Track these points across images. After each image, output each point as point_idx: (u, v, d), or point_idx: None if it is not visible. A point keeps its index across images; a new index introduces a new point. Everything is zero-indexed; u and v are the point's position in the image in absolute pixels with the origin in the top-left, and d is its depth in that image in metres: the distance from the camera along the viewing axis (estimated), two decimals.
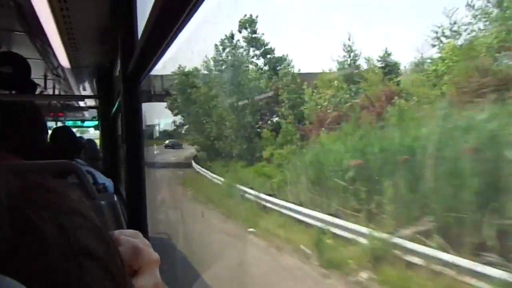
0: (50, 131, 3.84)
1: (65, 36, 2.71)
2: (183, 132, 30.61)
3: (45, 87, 4.46)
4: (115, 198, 1.74)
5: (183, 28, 1.18)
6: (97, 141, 5.65)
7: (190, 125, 29.46)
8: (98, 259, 0.37)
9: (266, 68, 27.03)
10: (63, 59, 3.40)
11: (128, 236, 0.55)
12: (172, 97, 28.61)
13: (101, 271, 0.37)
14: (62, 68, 3.90)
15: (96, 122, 6.29)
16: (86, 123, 6.96)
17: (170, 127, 31.70)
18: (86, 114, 7.53)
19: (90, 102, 5.86)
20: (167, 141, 31.35)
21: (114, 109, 3.59)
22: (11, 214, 0.34)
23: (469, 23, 15.49)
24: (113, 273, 0.38)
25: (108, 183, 3.06)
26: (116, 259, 0.40)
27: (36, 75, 4.18)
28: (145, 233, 2.11)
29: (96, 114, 6.01)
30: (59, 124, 6.24)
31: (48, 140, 3.27)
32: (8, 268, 0.31)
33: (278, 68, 26.69)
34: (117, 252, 0.42)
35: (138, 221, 2.07)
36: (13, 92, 3.19)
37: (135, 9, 2.00)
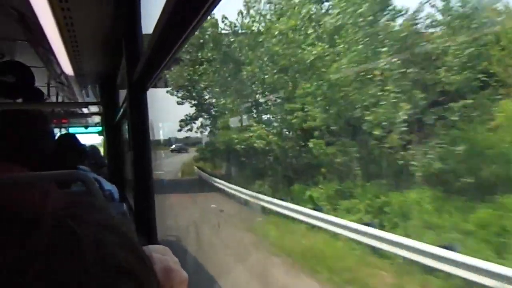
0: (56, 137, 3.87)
1: (68, 44, 2.70)
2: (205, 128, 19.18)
3: (49, 95, 4.46)
4: (124, 207, 1.73)
5: (195, 31, 1.16)
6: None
7: (231, 109, 16.32)
8: (134, 276, 0.37)
9: None
10: (66, 67, 3.39)
11: (158, 253, 0.54)
12: (183, 66, 17.15)
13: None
14: (66, 76, 3.90)
15: (100, 128, 6.29)
16: (90, 129, 6.98)
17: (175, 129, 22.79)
18: (90, 119, 7.54)
19: (94, 108, 5.86)
20: (173, 146, 29.06)
21: (118, 116, 3.58)
22: (54, 223, 0.36)
23: None
24: None
25: (113, 189, 3.06)
26: (152, 278, 0.41)
27: (40, 82, 4.18)
28: (154, 239, 2.11)
29: (100, 120, 6.02)
30: (63, 130, 6.26)
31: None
32: (42, 270, 0.32)
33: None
34: (154, 271, 0.43)
35: (147, 228, 2.06)
36: (19, 100, 3.19)
37: (139, 16, 2.00)
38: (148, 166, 2.08)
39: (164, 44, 1.27)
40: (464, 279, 6.75)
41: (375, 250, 8.43)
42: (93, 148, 5.44)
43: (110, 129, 4.17)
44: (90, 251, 0.35)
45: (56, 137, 4.18)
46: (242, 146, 15.24)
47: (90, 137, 6.79)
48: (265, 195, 12.66)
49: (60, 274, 0.33)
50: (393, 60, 12.36)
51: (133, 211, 2.42)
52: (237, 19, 16.25)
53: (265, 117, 15.63)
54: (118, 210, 1.73)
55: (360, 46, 12.92)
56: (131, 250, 0.39)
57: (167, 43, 1.25)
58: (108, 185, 3.05)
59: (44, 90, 4.33)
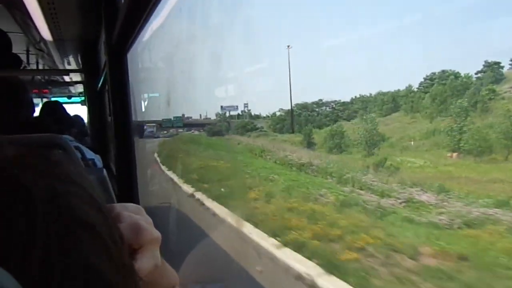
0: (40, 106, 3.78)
1: (45, 7, 2.61)
2: None
3: (28, 62, 4.34)
4: (104, 172, 1.70)
5: None
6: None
7: None
8: (92, 229, 0.34)
9: None
10: (45, 32, 3.29)
11: (130, 212, 0.51)
12: None
13: (96, 243, 0.34)
14: (45, 42, 3.78)
15: (83, 98, 6.18)
16: (73, 99, 6.86)
17: None
18: (72, 89, 7.40)
19: (76, 77, 5.75)
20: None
21: (100, 83, 3.52)
22: None
23: None
24: (110, 246, 0.35)
25: (97, 159, 3.03)
26: (114, 234, 0.37)
27: (18, 49, 4.06)
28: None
29: (83, 89, 5.91)
30: (45, 100, 6.13)
31: (38, 115, 3.21)
32: None
33: None
34: (116, 227, 0.40)
35: (129, 194, 2.05)
36: None
37: None
38: (129, 133, 2.05)
39: (139, 3, 1.23)
40: None
41: None
42: (77, 117, 5.37)
43: (92, 98, 4.11)
44: (41, 202, 0.32)
45: (41, 105, 4.11)
46: None
47: (75, 108, 6.67)
48: None
49: (5, 229, 0.29)
50: None
51: (116, 181, 2.40)
52: None
53: None
54: (98, 175, 1.69)
55: None
56: (89, 202, 0.36)
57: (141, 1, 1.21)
58: (91, 154, 3.01)
59: (23, 57, 4.22)
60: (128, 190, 2.06)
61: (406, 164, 17.00)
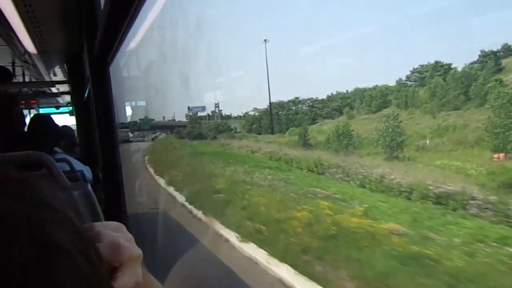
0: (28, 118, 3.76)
1: (27, 20, 2.60)
2: None
3: (14, 74, 4.33)
4: (89, 187, 1.71)
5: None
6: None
7: None
8: (68, 254, 0.35)
9: None
10: (29, 44, 3.28)
11: (110, 230, 0.51)
12: None
13: (72, 266, 0.35)
14: (30, 54, 3.77)
15: (70, 108, 6.15)
16: (61, 109, 6.82)
17: None
18: (60, 100, 7.36)
19: (64, 88, 5.72)
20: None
21: (86, 94, 3.51)
22: None
23: None
24: (86, 269, 0.36)
25: (86, 171, 3.01)
26: (90, 255, 0.38)
27: (3, 62, 4.05)
28: (123, 216, 2.11)
29: (70, 100, 5.87)
30: (33, 111, 6.09)
31: (26, 129, 3.20)
32: None
33: None
34: (93, 247, 0.41)
35: (116, 205, 2.05)
36: None
37: None
38: (115, 143, 2.05)
39: (120, 9, 1.24)
40: None
41: None
42: (66, 127, 5.34)
43: (80, 108, 4.09)
44: (16, 229, 0.33)
45: (29, 116, 4.08)
46: None
47: (64, 118, 6.62)
48: None
49: None
50: None
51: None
52: None
53: None
54: (83, 190, 1.70)
55: None
56: (65, 226, 0.37)
57: (122, 6, 1.21)
58: (80, 166, 2.99)
59: (9, 69, 4.20)
60: (115, 200, 2.07)
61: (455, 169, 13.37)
